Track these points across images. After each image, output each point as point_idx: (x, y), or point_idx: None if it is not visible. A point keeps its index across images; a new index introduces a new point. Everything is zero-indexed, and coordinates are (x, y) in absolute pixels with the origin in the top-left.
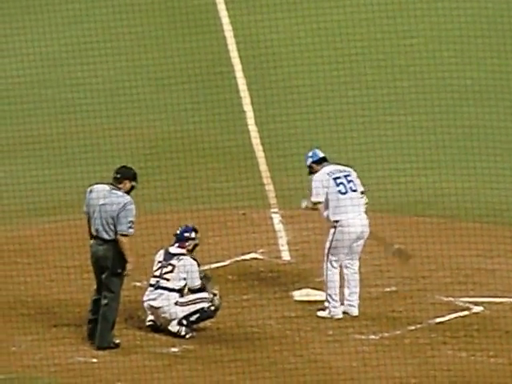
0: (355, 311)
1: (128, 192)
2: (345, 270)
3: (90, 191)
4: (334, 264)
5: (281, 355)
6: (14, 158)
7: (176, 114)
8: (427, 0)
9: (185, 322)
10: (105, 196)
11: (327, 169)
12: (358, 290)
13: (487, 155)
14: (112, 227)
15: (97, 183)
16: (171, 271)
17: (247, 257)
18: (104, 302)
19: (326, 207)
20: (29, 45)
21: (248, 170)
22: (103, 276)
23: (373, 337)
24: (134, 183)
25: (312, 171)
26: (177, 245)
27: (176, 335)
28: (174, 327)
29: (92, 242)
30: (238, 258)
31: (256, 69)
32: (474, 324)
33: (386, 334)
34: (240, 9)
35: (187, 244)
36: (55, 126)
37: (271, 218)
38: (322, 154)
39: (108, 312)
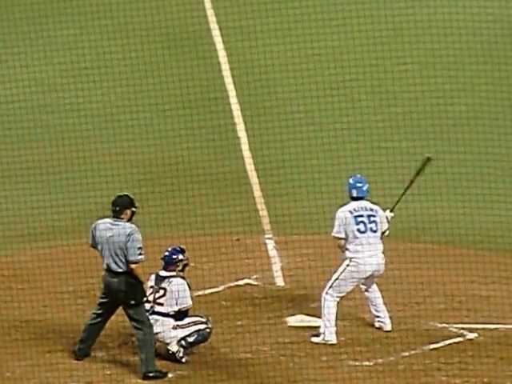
0: (388, 326)
1: (130, 219)
2: (366, 294)
3: (95, 227)
4: (333, 294)
5: (275, 381)
6: (9, 183)
7: (170, 139)
8: (421, 26)
9: (184, 342)
10: (110, 229)
11: (353, 205)
12: (383, 306)
13: (481, 181)
14: (122, 258)
15: (99, 219)
16: (164, 295)
17: (241, 282)
18: (139, 333)
19: (346, 245)
20: (25, 70)
21: (242, 195)
22: (127, 312)
23: (367, 363)
24: (133, 209)
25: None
26: (167, 268)
27: (174, 356)
28: (173, 347)
29: (104, 273)
30: (231, 284)
31: (250, 95)
32: (468, 350)
33: (380, 361)
34: (234, 35)
35: (176, 268)
36: (50, 151)
37: (265, 244)
38: (362, 191)
39: (148, 340)
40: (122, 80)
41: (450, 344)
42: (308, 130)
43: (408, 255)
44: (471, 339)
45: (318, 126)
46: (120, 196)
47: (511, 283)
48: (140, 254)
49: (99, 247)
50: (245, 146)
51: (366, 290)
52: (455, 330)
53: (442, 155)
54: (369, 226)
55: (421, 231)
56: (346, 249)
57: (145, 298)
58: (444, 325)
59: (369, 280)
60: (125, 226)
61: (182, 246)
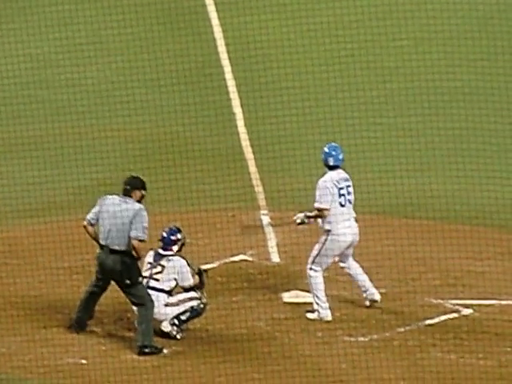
0: (376, 295)
1: (139, 201)
2: (347, 271)
3: (103, 200)
4: (317, 268)
5: (270, 357)
6: (3, 159)
7: (166, 115)
8: (417, 1)
9: (176, 321)
10: (118, 204)
11: (334, 176)
12: (366, 277)
13: (477, 157)
14: (124, 234)
15: (107, 194)
16: (161, 272)
17: (236, 258)
18: (142, 309)
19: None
20: (20, 46)
21: (237, 171)
22: (125, 291)
23: (362, 339)
24: (143, 192)
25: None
26: (165, 248)
27: (168, 335)
28: (166, 327)
29: (99, 251)
30: (227, 260)
31: (245, 70)
32: (464, 326)
33: (375, 336)
34: (229, 10)
35: (175, 247)
36: (45, 127)
37: (261, 220)
38: (338, 160)
39: (149, 314)
40: (117, 56)
41: (445, 320)
42: (303, 106)
43: (403, 231)
44: (466, 315)
45: (313, 102)
46: (133, 176)
47: (506, 259)
48: (145, 233)
49: (100, 222)
50: (240, 122)
51: (347, 268)
52: (450, 305)
53: (438, 131)
54: (347, 197)
55: (416, 207)
56: (323, 222)
57: (140, 278)
58: (439, 301)
59: (346, 252)
60: (134, 204)
61: (178, 226)
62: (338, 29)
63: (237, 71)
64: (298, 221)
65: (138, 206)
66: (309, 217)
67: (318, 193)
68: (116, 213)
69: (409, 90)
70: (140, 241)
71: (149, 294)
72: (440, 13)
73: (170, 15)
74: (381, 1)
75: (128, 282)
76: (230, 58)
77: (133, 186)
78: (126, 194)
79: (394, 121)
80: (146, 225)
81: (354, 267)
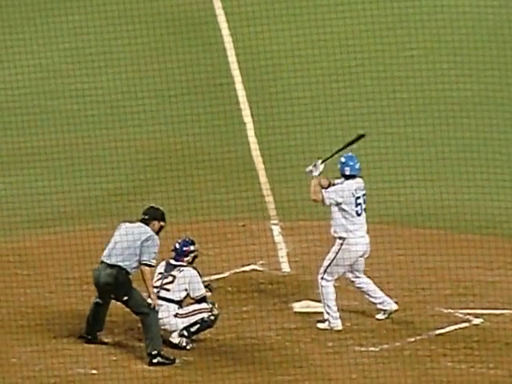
0: (394, 305)
1: (157, 233)
2: (357, 285)
3: (118, 225)
4: (329, 278)
5: (280, 367)
6: (14, 169)
7: (176, 125)
8: (427, 12)
9: (186, 333)
10: (130, 227)
11: (352, 184)
12: (379, 292)
13: (487, 167)
14: (129, 252)
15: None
16: (171, 282)
17: (247, 268)
18: (144, 318)
19: (337, 221)
20: (30, 56)
21: (248, 181)
22: (126, 305)
23: (372, 349)
24: (162, 223)
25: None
26: (177, 259)
27: (177, 347)
28: (175, 339)
29: (96, 267)
30: (237, 270)
31: (256, 80)
32: (474, 336)
33: (386, 346)
34: (240, 20)
35: (187, 258)
36: (55, 137)
37: (271, 230)
38: (355, 169)
39: (153, 322)
40: (127, 66)
41: (455, 329)
42: (314, 116)
43: (414, 241)
44: (477, 324)
45: (323, 112)
46: (152, 207)
47: None
48: (154, 260)
49: (111, 239)
50: (250, 132)
51: (357, 283)
52: (461, 315)
53: (448, 141)
54: (363, 206)
55: (426, 217)
56: (336, 229)
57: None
58: (450, 310)
59: (357, 265)
60: (148, 229)
61: (192, 238)
62: (348, 39)
63: (247, 81)
64: (307, 170)
65: (151, 231)
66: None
67: (334, 188)
68: (128, 231)
69: (419, 100)
70: (149, 266)
71: (148, 304)
72: (450, 22)
73: (180, 25)
74: (391, 11)
75: (126, 298)
76: (240, 68)
77: (151, 217)
78: (144, 223)
79: (404, 130)
80: (156, 251)
81: (367, 282)
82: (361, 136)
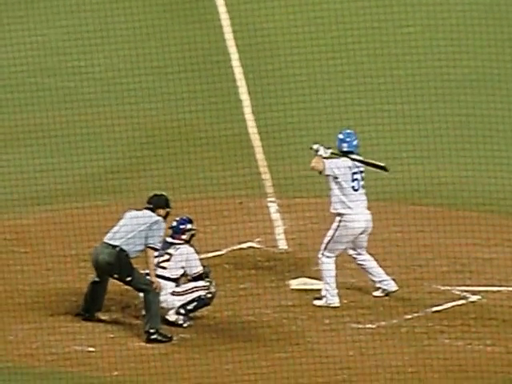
0: (394, 286)
1: (164, 218)
2: (359, 262)
3: (124, 212)
4: (329, 254)
5: (277, 344)
6: (11, 146)
7: (173, 102)
8: None
9: (182, 310)
10: (137, 211)
11: (350, 163)
12: (380, 270)
13: (484, 144)
14: (134, 235)
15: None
16: (168, 260)
17: (244, 246)
18: (146, 295)
19: (335, 198)
20: (27, 34)
21: (244, 158)
22: (128, 285)
23: (369, 326)
24: (168, 209)
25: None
26: (173, 237)
27: (174, 324)
28: (171, 316)
29: (95, 246)
30: (234, 247)
31: (252, 58)
32: (471, 313)
33: (383, 323)
34: None
35: (184, 236)
36: (52, 114)
37: (268, 207)
38: (352, 146)
39: (154, 299)
40: (124, 43)
41: (452, 306)
42: (310, 93)
43: (411, 218)
44: (474, 301)
45: (320, 89)
46: (156, 195)
47: None
48: (160, 243)
49: (116, 224)
50: (247, 109)
51: (359, 260)
52: (458, 292)
53: (445, 118)
54: (361, 183)
55: (423, 194)
56: (335, 206)
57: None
58: (447, 287)
59: (359, 242)
60: (154, 216)
61: (189, 216)
62: (344, 16)
63: (244, 58)
64: (315, 147)
65: (158, 217)
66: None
67: (330, 162)
68: (133, 216)
69: (416, 77)
70: (155, 249)
71: (151, 282)
72: (447, 0)
73: (177, 3)
74: None
75: (129, 278)
76: (237, 46)
77: (156, 205)
78: (150, 211)
79: (401, 108)
80: (162, 234)
81: (368, 259)
82: (383, 168)
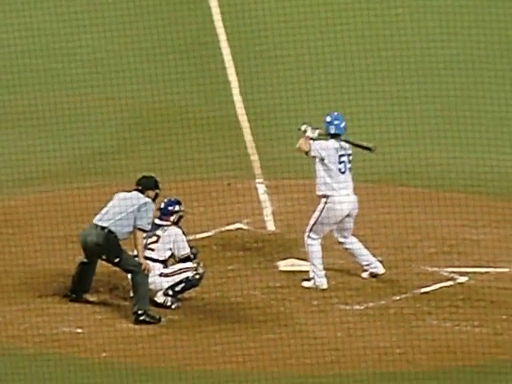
0: (381, 269)
1: (153, 200)
2: (345, 246)
3: (114, 193)
4: (314, 236)
5: (265, 325)
6: None
7: (161, 84)
8: None
9: (170, 292)
10: (126, 193)
11: (337, 145)
12: (367, 252)
13: (472, 125)
14: (121, 217)
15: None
16: (156, 241)
17: (232, 227)
18: (135, 277)
19: (320, 180)
20: (15, 15)
21: (233, 140)
22: (117, 266)
23: (357, 307)
24: (157, 191)
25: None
26: (161, 218)
27: (162, 306)
28: (159, 298)
29: (84, 228)
30: (222, 229)
31: (241, 39)
32: (459, 294)
33: (371, 304)
34: None
35: (172, 218)
36: (40, 96)
37: (256, 189)
38: (340, 128)
39: (143, 281)
40: (112, 24)
41: (440, 288)
42: (298, 74)
43: (399, 199)
44: (462, 283)
45: (308, 70)
46: (145, 176)
47: (502, 226)
48: (149, 225)
49: (105, 205)
50: (235, 91)
51: (345, 244)
52: (446, 273)
53: (433, 99)
54: (348, 165)
55: (412, 175)
56: (320, 187)
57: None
58: (435, 268)
59: (344, 225)
60: (144, 198)
61: (178, 198)
62: None
63: (232, 40)
64: (303, 128)
65: (147, 199)
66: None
67: (318, 144)
68: (122, 197)
69: (404, 59)
70: (143, 231)
71: (139, 263)
72: None
73: None
74: None
75: (117, 260)
76: (225, 27)
77: (145, 187)
78: (139, 192)
79: (389, 89)
80: (151, 217)
81: (354, 242)
82: (370, 149)
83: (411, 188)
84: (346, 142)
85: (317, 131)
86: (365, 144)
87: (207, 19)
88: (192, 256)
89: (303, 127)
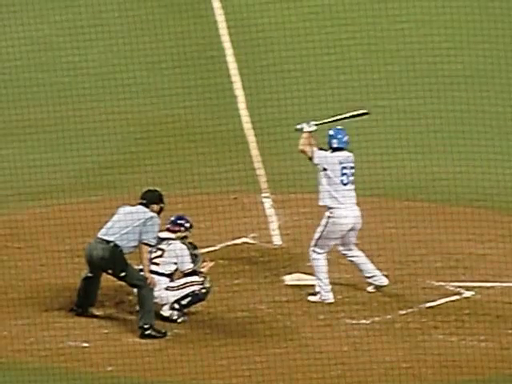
0: (385, 281)
1: (157, 214)
2: (349, 259)
3: (118, 208)
4: (319, 250)
5: (272, 340)
6: (5, 142)
7: (167, 98)
8: None
9: (177, 306)
10: (131, 207)
11: (341, 157)
12: (372, 265)
13: (478, 139)
14: (127, 231)
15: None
16: (160, 256)
17: (238, 241)
18: (140, 291)
19: (324, 191)
20: (21, 29)
21: (239, 154)
22: (122, 281)
23: (364, 321)
24: (162, 205)
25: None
26: (167, 228)
27: (168, 320)
28: (165, 312)
29: (90, 242)
30: (228, 243)
31: (247, 53)
32: (465, 308)
33: (377, 319)
34: None
35: (177, 229)
36: (46, 110)
37: (262, 203)
38: (342, 142)
39: (148, 295)
40: (118, 38)
41: (446, 302)
42: (305, 89)
43: (405, 213)
44: (468, 297)
45: (314, 85)
46: (149, 190)
47: (508, 241)
48: (154, 239)
49: (110, 219)
50: (242, 105)
51: (349, 256)
52: (452, 288)
53: (439, 113)
54: (350, 178)
55: (417, 189)
56: (323, 199)
57: (129, 266)
58: (441, 283)
59: (348, 238)
60: (149, 212)
61: (188, 218)
62: (339, 11)
63: (238, 54)
64: (298, 127)
65: (153, 213)
66: (304, 130)
67: (319, 153)
68: (127, 211)
69: (410, 73)
70: (149, 245)
71: (145, 278)
72: None
73: None
74: None
75: (123, 274)
76: (231, 41)
77: (149, 201)
78: (144, 206)
79: (395, 103)
80: (157, 230)
81: (358, 255)
82: (364, 113)
83: (417, 202)
84: (340, 119)
85: (312, 123)
86: (358, 112)
87: (213, 33)
88: (194, 257)
89: (298, 126)
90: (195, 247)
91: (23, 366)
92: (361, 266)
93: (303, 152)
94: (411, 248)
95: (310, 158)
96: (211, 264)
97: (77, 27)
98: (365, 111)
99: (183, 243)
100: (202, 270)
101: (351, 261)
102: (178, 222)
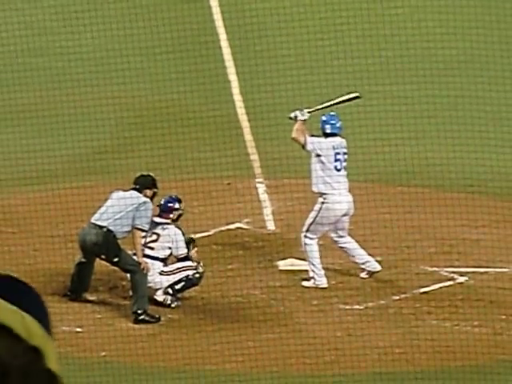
0: (378, 266)
1: (150, 199)
2: (341, 245)
3: (111, 192)
4: (312, 236)
5: (265, 325)
6: None
7: (161, 83)
8: None
9: (170, 290)
10: (124, 192)
11: (334, 143)
12: (364, 251)
13: (472, 125)
14: (121, 216)
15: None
16: (156, 240)
17: (232, 226)
18: (133, 276)
19: (317, 177)
20: (15, 13)
21: (233, 139)
22: (112, 264)
23: (357, 307)
24: (155, 190)
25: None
26: (161, 215)
27: (162, 304)
28: (159, 297)
29: (83, 227)
30: (222, 228)
31: (241, 38)
32: (459, 294)
33: (371, 304)
34: None
35: (171, 215)
36: (40, 95)
37: (256, 188)
38: (335, 128)
39: (142, 280)
40: (112, 23)
41: (440, 288)
42: (299, 74)
43: (398, 199)
44: (461, 283)
45: (308, 70)
46: (143, 175)
47: (501, 227)
48: (147, 224)
49: (103, 204)
50: (235, 90)
51: (340, 243)
52: (445, 273)
53: (433, 99)
54: (343, 164)
55: (411, 175)
56: (317, 185)
57: (121, 251)
58: (434, 268)
59: (342, 224)
60: (142, 197)
61: (179, 196)
62: None
63: (232, 39)
64: (292, 115)
65: (146, 198)
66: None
67: (314, 139)
68: (121, 196)
69: (404, 58)
70: (142, 230)
71: (138, 263)
72: None
73: None
74: None
75: (116, 259)
76: (225, 26)
77: (142, 186)
78: (137, 191)
79: (389, 88)
80: (150, 215)
81: (349, 242)
82: (356, 97)
83: (411, 188)
84: (331, 105)
85: (306, 110)
86: (349, 96)
87: (207, 18)
88: (187, 241)
89: (292, 114)
90: (183, 233)
91: None
92: (352, 251)
93: (296, 140)
94: (405, 233)
95: (303, 146)
96: (194, 250)
97: (71, 12)
98: (356, 95)
99: (178, 227)
100: (198, 259)
101: (342, 247)
102: (169, 205)
